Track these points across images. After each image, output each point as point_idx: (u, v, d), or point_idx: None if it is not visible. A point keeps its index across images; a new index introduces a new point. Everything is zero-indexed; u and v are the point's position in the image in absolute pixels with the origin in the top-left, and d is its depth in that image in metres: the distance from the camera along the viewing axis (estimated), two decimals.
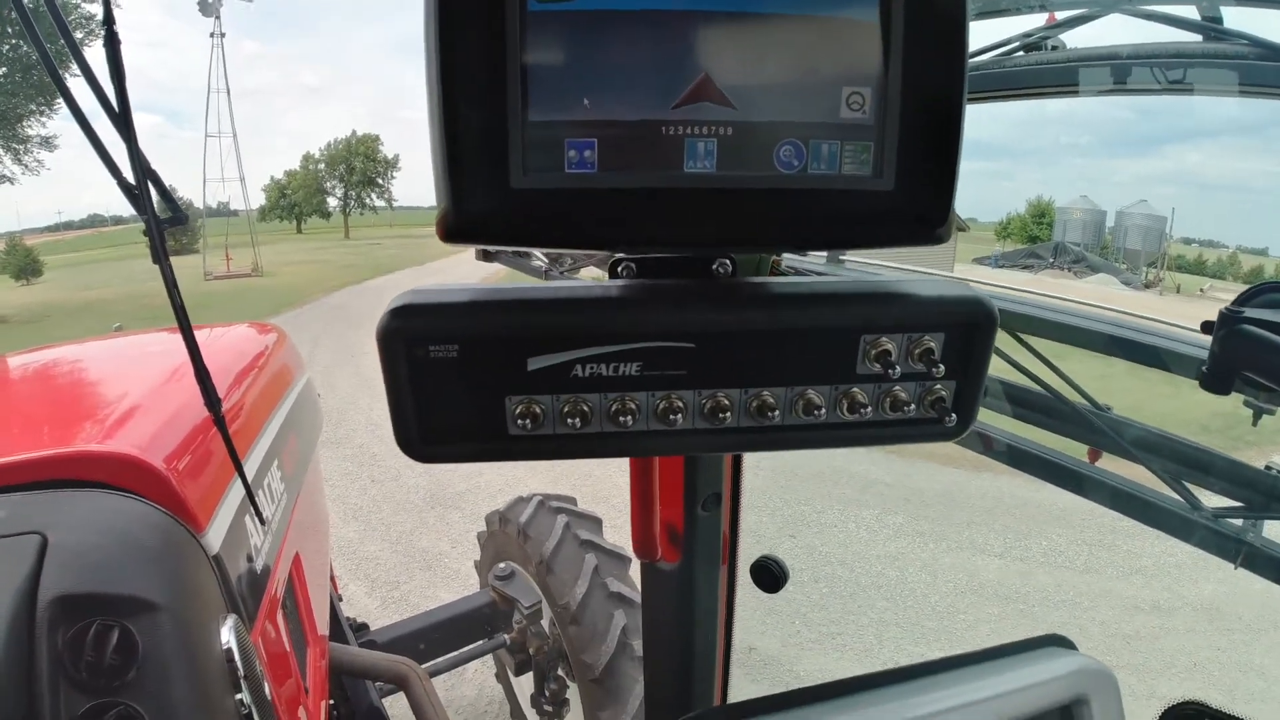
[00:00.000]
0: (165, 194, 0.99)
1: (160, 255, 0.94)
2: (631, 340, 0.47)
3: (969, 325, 0.51)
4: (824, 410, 0.51)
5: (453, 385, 0.48)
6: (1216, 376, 1.37)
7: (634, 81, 0.43)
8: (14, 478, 1.06)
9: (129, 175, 0.92)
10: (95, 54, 0.90)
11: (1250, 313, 1.32)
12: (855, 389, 0.52)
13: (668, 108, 0.43)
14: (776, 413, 0.51)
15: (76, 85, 0.97)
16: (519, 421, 0.48)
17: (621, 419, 0.49)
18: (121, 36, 0.87)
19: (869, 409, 0.52)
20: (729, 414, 0.50)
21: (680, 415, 0.49)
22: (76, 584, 0.83)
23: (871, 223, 0.46)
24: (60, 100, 0.93)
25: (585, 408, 0.48)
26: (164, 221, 0.95)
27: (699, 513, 0.81)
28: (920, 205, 0.46)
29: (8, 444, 1.36)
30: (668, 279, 0.52)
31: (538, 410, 0.48)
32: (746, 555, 0.96)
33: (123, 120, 0.89)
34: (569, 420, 0.48)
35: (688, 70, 0.43)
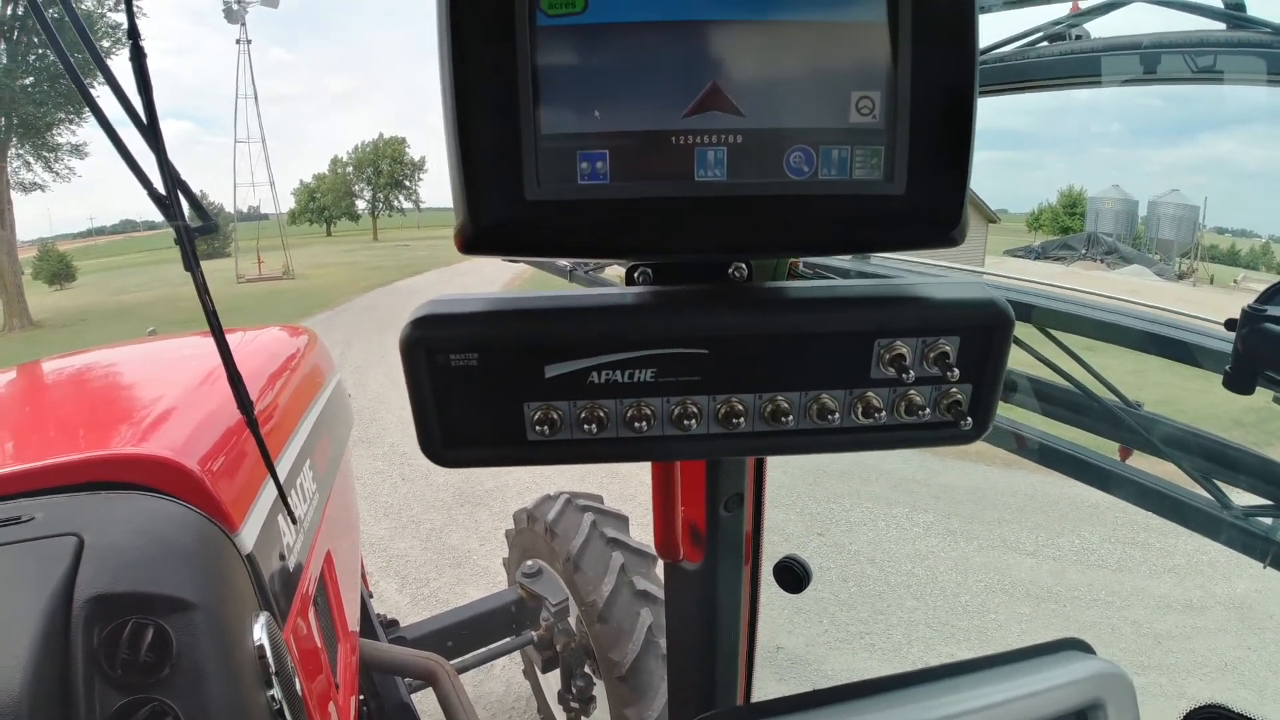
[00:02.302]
0: (195, 202, 1.01)
1: (191, 262, 0.96)
2: (646, 347, 0.48)
3: (985, 328, 0.51)
4: (838, 415, 0.51)
5: (473, 392, 0.49)
6: (1239, 376, 1.33)
7: (644, 92, 0.43)
8: (52, 480, 1.09)
9: (159, 185, 0.94)
10: (121, 62, 0.92)
11: (1274, 310, 1.28)
12: (870, 393, 0.52)
13: (678, 117, 0.44)
14: (791, 417, 0.51)
15: (104, 95, 0.99)
16: (537, 428, 0.49)
17: (637, 425, 0.49)
18: (149, 43, 0.89)
19: (884, 413, 0.52)
20: (743, 419, 0.50)
21: (695, 420, 0.50)
22: (112, 583, 0.86)
23: (884, 226, 0.46)
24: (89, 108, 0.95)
25: (602, 413, 0.49)
26: (194, 230, 0.97)
27: (721, 513, 0.81)
28: (933, 208, 0.46)
29: (45, 447, 1.40)
30: (684, 284, 0.52)
31: (555, 416, 0.49)
32: (773, 553, 0.96)
33: (151, 131, 0.91)
34: (586, 426, 0.49)
35: (697, 79, 0.43)
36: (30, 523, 0.95)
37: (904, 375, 0.50)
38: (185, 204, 0.98)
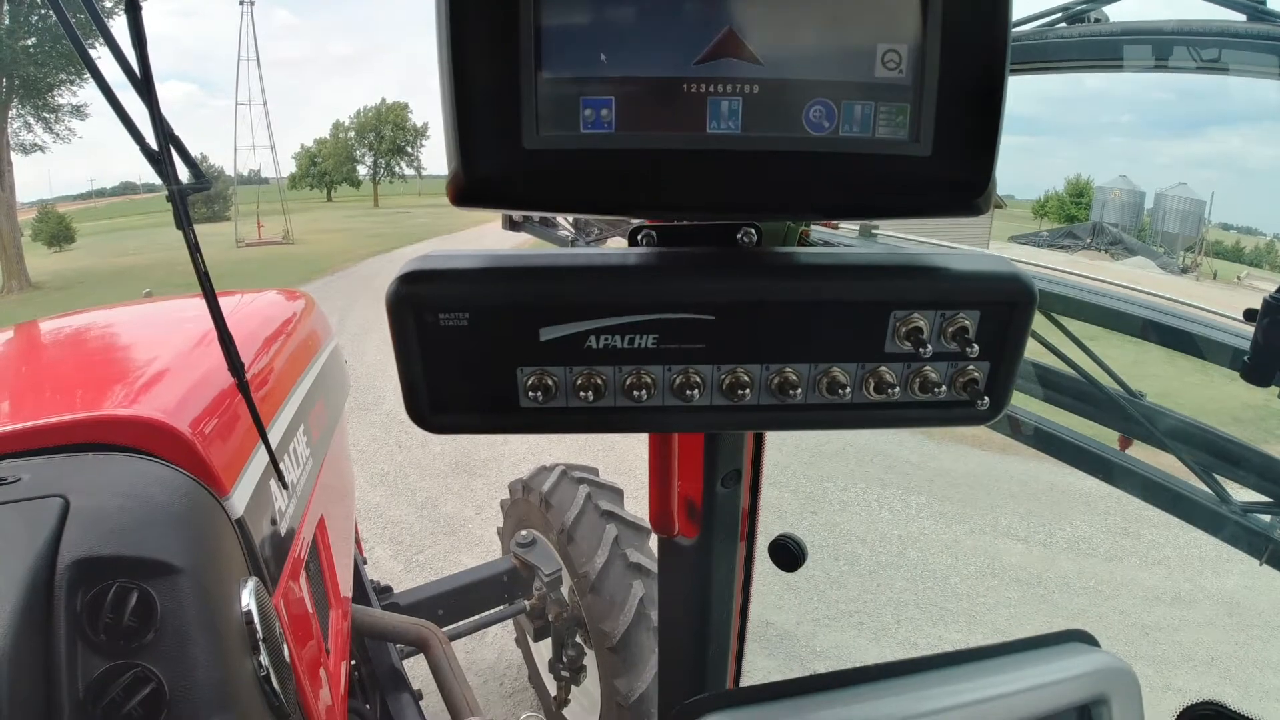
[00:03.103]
0: (189, 160, 0.98)
1: (184, 221, 0.94)
2: (648, 311, 0.45)
3: (1007, 304, 0.48)
4: (849, 390, 0.49)
5: (464, 354, 0.46)
6: (1258, 367, 1.30)
7: (654, 36, 0.40)
8: (41, 441, 1.07)
9: (152, 141, 0.91)
10: (120, 20, 0.89)
11: None
12: (883, 368, 0.49)
13: (690, 64, 0.41)
14: (799, 391, 0.48)
15: (102, 53, 0.96)
16: (530, 394, 0.47)
17: (636, 394, 0.47)
18: (152, 5, 0.86)
19: (897, 389, 0.49)
20: (749, 390, 0.48)
21: (698, 391, 0.47)
22: (97, 546, 0.84)
23: (907, 190, 0.43)
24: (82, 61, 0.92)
25: (599, 381, 0.47)
26: (187, 188, 0.95)
27: (718, 489, 0.80)
28: (959, 173, 0.43)
29: (36, 407, 1.38)
30: (689, 247, 0.50)
31: (550, 382, 0.46)
32: (767, 529, 0.95)
33: (145, 86, 0.88)
34: (582, 394, 0.47)
35: (712, 24, 0.40)
36: (17, 484, 0.94)
37: (921, 350, 0.47)
38: (179, 162, 0.95)
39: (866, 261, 0.49)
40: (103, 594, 0.81)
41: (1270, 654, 4.20)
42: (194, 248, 0.97)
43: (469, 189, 0.42)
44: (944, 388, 0.50)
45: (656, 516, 0.79)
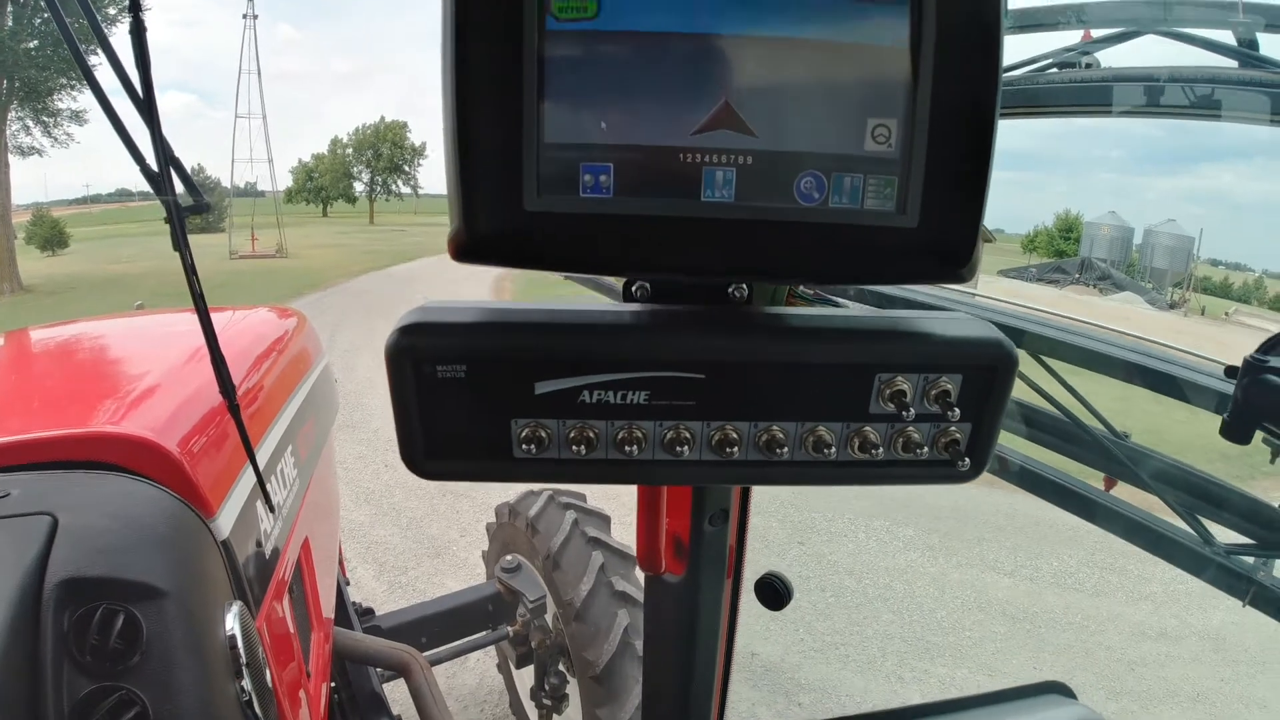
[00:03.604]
0: (188, 181, 0.99)
1: (181, 243, 0.95)
2: (641, 368, 0.47)
3: (989, 368, 0.50)
4: (834, 449, 0.50)
5: (459, 405, 0.47)
6: (1237, 425, 1.33)
7: (653, 105, 0.42)
8: (28, 456, 1.07)
9: (151, 161, 0.92)
10: (121, 34, 0.90)
11: (1275, 361, 1.28)
12: (868, 428, 0.50)
13: (687, 134, 0.42)
14: (785, 449, 0.50)
15: (103, 66, 0.97)
16: (524, 446, 0.48)
17: (628, 448, 0.48)
18: (154, 15, 0.87)
19: (880, 449, 0.51)
20: (737, 448, 0.49)
21: (688, 447, 0.48)
22: (84, 567, 0.84)
23: (893, 260, 0.45)
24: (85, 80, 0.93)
25: (591, 434, 0.48)
26: (185, 209, 0.96)
27: (706, 527, 0.80)
28: (944, 244, 0.44)
29: (25, 421, 1.38)
30: (682, 302, 0.51)
31: (544, 434, 0.47)
32: (754, 560, 0.95)
33: (146, 106, 0.89)
34: (575, 447, 0.48)
35: (708, 96, 0.42)
36: (5, 499, 0.94)
37: (904, 413, 0.49)
38: (178, 181, 0.96)
39: (852, 325, 0.50)
40: (89, 615, 0.81)
41: (1255, 690, 4.20)
42: (190, 269, 0.98)
43: (470, 246, 0.43)
44: (926, 448, 0.51)
45: (644, 555, 0.80)
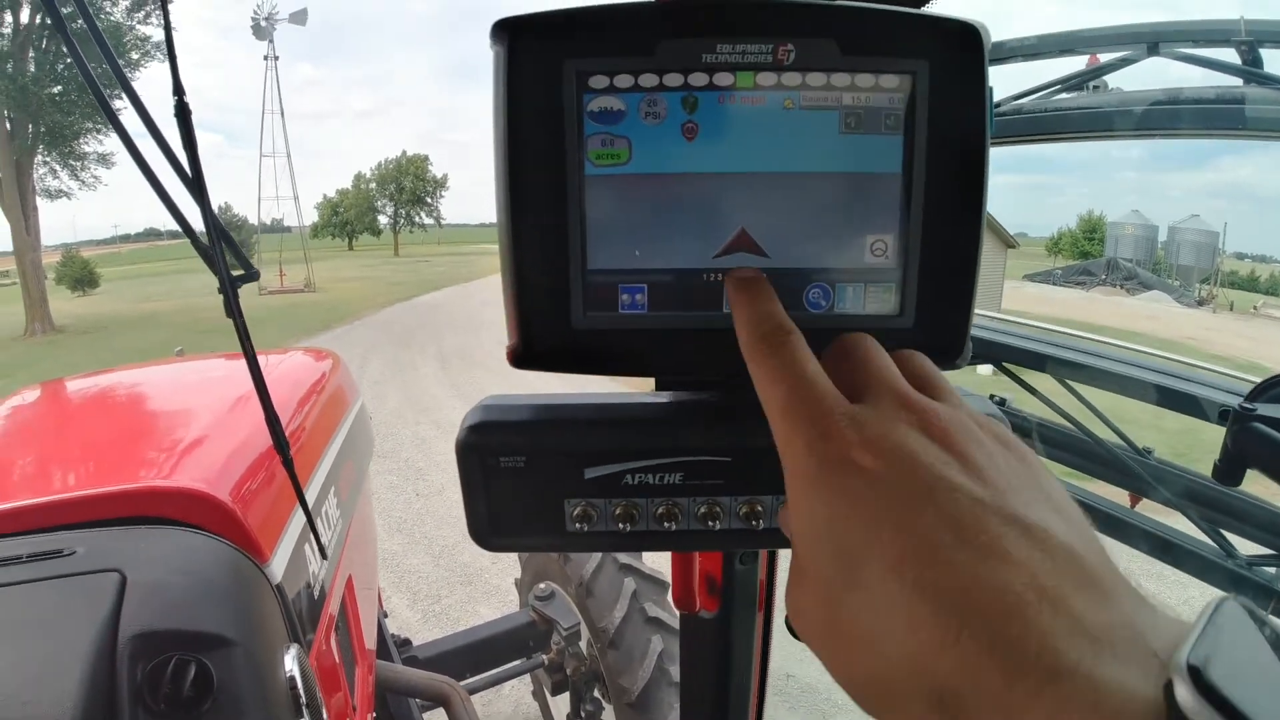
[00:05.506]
0: (238, 253, 1.06)
1: (234, 311, 1.01)
2: (676, 454, 0.52)
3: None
4: None
5: (519, 489, 0.53)
6: (1227, 469, 1.36)
7: (679, 236, 0.48)
8: (88, 513, 1.13)
9: (202, 235, 0.98)
10: (153, 74, 0.92)
11: (1263, 410, 1.31)
12: None
13: (709, 258, 0.48)
14: None
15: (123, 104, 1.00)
16: (576, 524, 0.53)
17: (666, 523, 0.53)
18: (178, 58, 0.90)
19: None
20: (761, 520, 0.54)
21: (718, 521, 0.53)
22: (154, 621, 0.89)
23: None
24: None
25: (634, 511, 0.53)
26: (238, 279, 1.02)
27: (737, 566, 0.84)
28: (938, 340, 0.49)
29: (77, 476, 1.45)
30: (709, 390, 0.56)
31: (593, 512, 0.53)
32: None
33: (197, 186, 0.95)
34: (620, 524, 0.53)
35: (727, 225, 0.48)
36: (72, 556, 0.99)
37: None
38: (229, 254, 1.03)
39: None
40: (162, 666, 0.86)
41: None
42: (243, 334, 1.04)
43: (526, 358, 0.50)
44: None
45: (679, 594, 0.84)
